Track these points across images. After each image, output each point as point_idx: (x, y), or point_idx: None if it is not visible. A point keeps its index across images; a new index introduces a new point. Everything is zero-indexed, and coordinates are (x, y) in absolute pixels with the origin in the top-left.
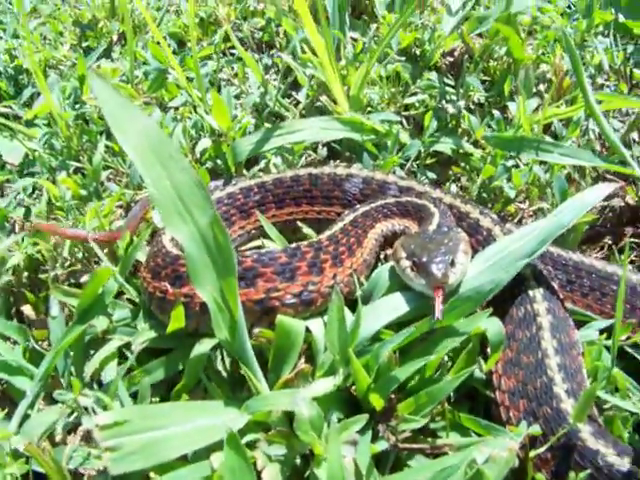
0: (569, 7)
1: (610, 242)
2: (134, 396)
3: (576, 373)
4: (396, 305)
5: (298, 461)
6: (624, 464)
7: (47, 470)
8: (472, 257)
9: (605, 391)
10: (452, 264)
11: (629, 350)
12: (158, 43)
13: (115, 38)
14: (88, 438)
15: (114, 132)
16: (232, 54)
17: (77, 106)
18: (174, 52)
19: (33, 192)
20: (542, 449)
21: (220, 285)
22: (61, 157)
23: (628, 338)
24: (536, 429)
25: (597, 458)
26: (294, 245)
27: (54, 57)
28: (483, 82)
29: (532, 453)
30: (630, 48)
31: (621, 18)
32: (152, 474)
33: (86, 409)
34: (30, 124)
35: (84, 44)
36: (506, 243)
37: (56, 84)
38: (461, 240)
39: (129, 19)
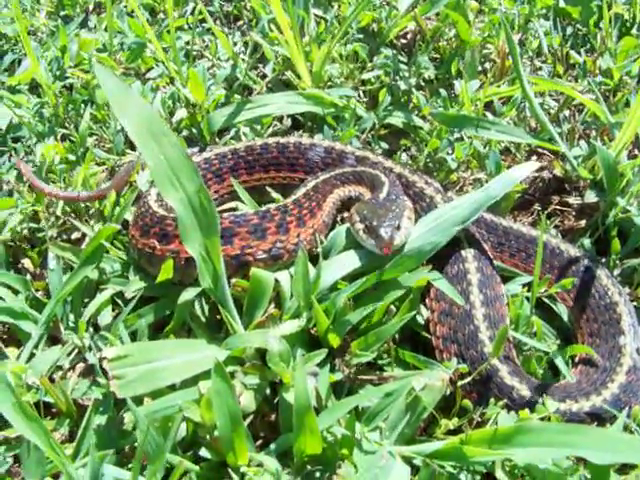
0: None
1: (539, 208)
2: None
3: (499, 322)
4: (351, 260)
5: (268, 391)
6: (533, 396)
7: (56, 400)
8: (416, 221)
9: (524, 335)
10: (398, 228)
11: (546, 301)
12: (132, 12)
13: (91, 7)
14: (85, 374)
15: (117, 114)
16: (203, 26)
17: (58, 73)
18: (147, 22)
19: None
20: (468, 379)
21: (205, 242)
22: (49, 124)
23: (546, 291)
24: (463, 366)
25: (512, 392)
26: (264, 208)
27: (33, 24)
28: (434, 60)
29: (460, 383)
30: (569, 30)
31: (561, 3)
32: (147, 400)
33: (90, 348)
34: (13, 90)
35: (62, 13)
36: (444, 211)
37: (37, 51)
38: (406, 207)
39: None
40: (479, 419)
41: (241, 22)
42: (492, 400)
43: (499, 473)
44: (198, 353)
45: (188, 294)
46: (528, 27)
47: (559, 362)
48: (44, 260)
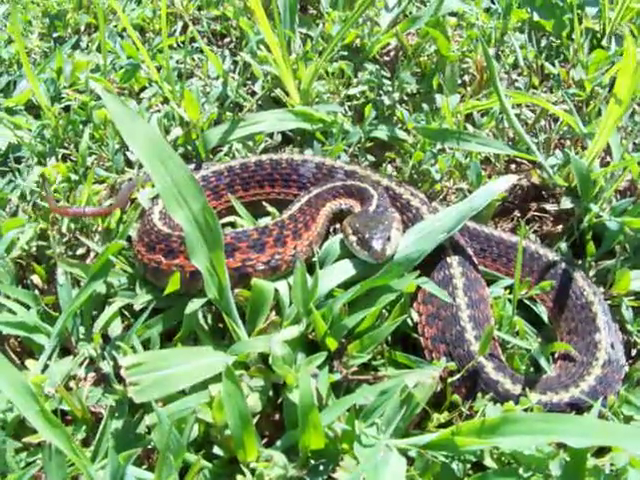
0: (492, 2)
1: (519, 215)
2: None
3: (484, 322)
4: (345, 269)
5: (271, 393)
6: (517, 389)
7: (72, 407)
8: (403, 231)
9: (508, 334)
10: (388, 239)
11: (527, 302)
12: (124, 30)
13: (82, 28)
14: (97, 382)
15: (125, 138)
16: (192, 45)
17: (54, 94)
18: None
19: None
20: (456, 377)
21: (210, 256)
22: (49, 145)
23: (526, 293)
24: (452, 364)
25: (497, 386)
26: (263, 224)
27: (26, 46)
28: (415, 75)
29: (449, 380)
30: (543, 42)
31: (536, 17)
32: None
33: (103, 357)
34: (10, 111)
35: (54, 34)
36: (430, 221)
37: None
38: (395, 219)
39: (102, 15)
40: (468, 412)
41: (228, 40)
42: (479, 394)
43: (488, 460)
44: (206, 359)
45: (194, 305)
46: (504, 40)
47: (540, 358)
48: (51, 276)
